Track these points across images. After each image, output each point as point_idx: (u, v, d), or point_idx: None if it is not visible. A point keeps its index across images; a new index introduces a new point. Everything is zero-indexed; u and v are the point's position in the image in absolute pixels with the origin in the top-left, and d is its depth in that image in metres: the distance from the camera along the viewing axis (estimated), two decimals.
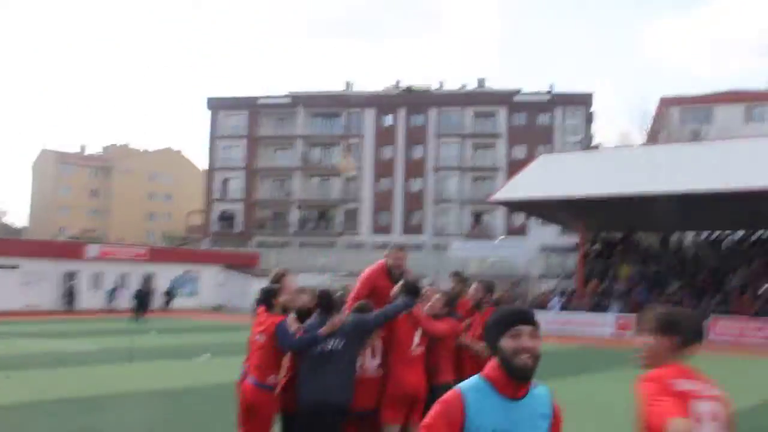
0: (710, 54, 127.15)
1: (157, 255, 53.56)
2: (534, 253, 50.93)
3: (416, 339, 6.71)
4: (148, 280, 47.83)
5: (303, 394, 6.38)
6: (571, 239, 62.97)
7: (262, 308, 6.90)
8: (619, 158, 40.80)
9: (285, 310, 6.76)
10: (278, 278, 6.99)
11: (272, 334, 6.55)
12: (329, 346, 6.40)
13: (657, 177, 35.02)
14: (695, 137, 49.35)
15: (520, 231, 66.24)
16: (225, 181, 76.12)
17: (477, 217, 71.10)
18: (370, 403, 6.60)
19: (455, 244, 55.96)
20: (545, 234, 61.94)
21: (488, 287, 7.72)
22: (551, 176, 38.64)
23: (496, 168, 70.48)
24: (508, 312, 3.04)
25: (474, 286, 7.72)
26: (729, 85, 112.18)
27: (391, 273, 7.30)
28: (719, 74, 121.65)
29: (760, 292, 32.99)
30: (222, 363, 19.67)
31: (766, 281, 33.52)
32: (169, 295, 48.99)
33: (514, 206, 43.56)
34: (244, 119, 76.59)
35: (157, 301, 45.86)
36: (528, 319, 3.00)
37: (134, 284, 45.45)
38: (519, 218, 66.82)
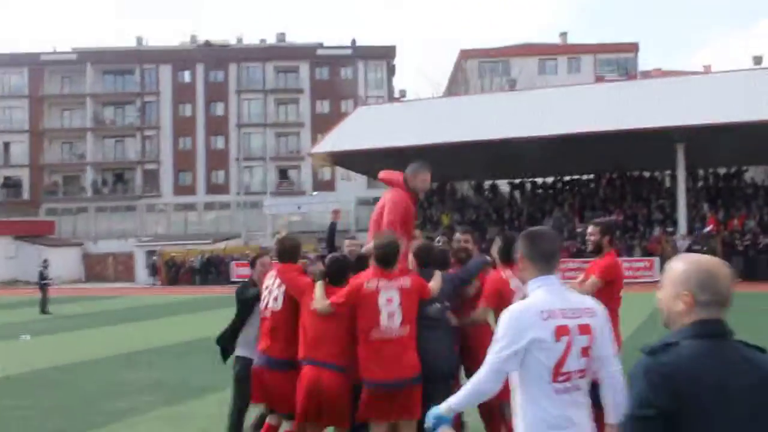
0: (507, 7, 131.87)
1: None
2: (350, 206, 50.76)
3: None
4: None
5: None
6: (378, 192, 63.70)
7: (293, 268, 6.00)
8: (432, 109, 41.19)
9: None
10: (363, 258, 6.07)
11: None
12: (432, 309, 5.65)
13: (469, 126, 35.76)
14: (512, 87, 50.76)
15: (328, 186, 66.00)
16: (6, 145, 69.62)
17: (283, 173, 70.03)
18: None
19: (267, 200, 54.62)
20: (353, 187, 62.14)
21: (606, 228, 6.51)
22: (369, 128, 38.43)
23: (301, 123, 69.47)
24: None
25: (590, 229, 6.56)
26: (525, 38, 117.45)
27: (416, 197, 6.44)
28: (516, 28, 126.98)
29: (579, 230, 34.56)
30: (48, 342, 17.73)
31: (578, 222, 35.26)
32: None
33: (334, 159, 42.94)
34: (25, 77, 70.22)
35: None
36: None
37: None
38: (326, 173, 66.57)
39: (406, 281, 5.46)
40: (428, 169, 6.54)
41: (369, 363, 5.39)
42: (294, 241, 6.29)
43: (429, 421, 3.43)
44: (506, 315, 3.30)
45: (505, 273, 5.88)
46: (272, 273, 6.22)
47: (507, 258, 5.84)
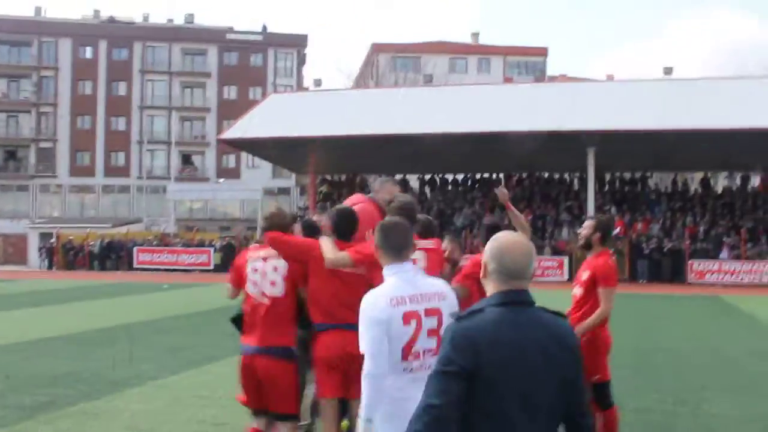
0: (420, 4, 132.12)
1: None
2: (257, 195, 49.85)
3: None
4: None
5: None
6: (284, 182, 63.01)
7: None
8: (346, 100, 40.68)
9: None
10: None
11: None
12: None
13: (381, 119, 35.48)
14: (427, 83, 50.73)
15: (233, 173, 64.75)
16: None
17: (186, 158, 68.19)
18: None
19: (171, 186, 52.97)
20: (259, 176, 61.20)
21: (599, 225, 6.19)
22: (281, 116, 37.62)
23: (207, 108, 67.81)
24: None
25: (586, 222, 6.29)
26: (437, 36, 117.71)
27: (382, 209, 5.89)
28: (429, 25, 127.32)
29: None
30: None
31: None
32: None
33: (243, 146, 41.99)
34: None
35: None
36: None
37: None
38: (231, 160, 65.26)
39: (428, 243, 5.21)
40: (395, 184, 6.35)
41: None
42: (285, 217, 5.58)
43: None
44: (363, 306, 3.64)
45: None
46: (256, 253, 5.49)
47: None
